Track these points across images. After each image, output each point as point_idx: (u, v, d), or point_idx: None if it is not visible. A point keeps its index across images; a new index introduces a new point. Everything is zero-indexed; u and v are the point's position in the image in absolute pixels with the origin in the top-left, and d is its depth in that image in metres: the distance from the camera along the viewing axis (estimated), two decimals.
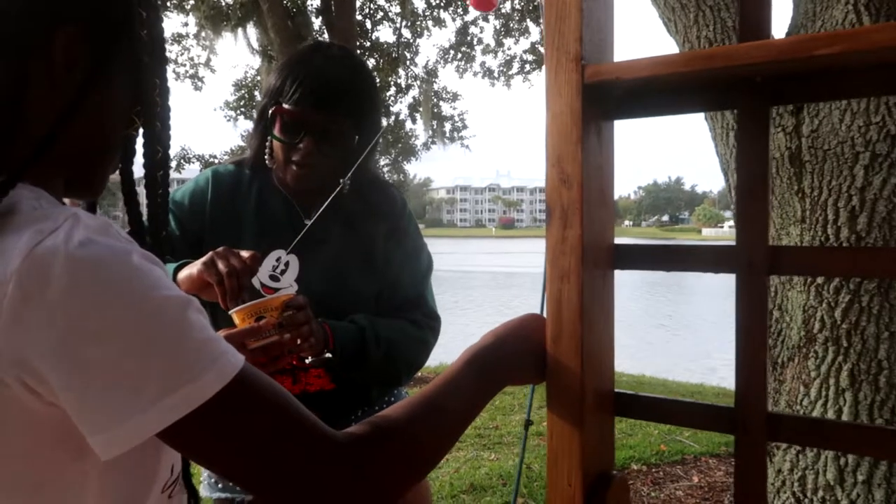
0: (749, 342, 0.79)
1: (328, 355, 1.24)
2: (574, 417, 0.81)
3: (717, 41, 2.73)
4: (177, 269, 1.21)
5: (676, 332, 12.39)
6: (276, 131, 1.35)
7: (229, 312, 1.14)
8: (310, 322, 1.17)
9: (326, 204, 1.33)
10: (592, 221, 0.82)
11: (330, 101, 1.31)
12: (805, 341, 2.51)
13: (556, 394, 0.83)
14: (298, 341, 1.15)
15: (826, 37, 0.66)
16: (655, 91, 0.85)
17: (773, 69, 0.73)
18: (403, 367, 1.39)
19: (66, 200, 0.72)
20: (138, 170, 0.76)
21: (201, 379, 0.56)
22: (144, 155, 0.73)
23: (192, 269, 1.17)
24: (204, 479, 1.47)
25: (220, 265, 1.13)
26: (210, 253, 1.15)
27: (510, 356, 0.81)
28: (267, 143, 1.38)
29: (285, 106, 1.32)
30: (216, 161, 12.28)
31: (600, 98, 0.83)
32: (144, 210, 0.75)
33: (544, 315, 0.87)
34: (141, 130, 0.73)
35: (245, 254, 1.15)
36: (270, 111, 1.35)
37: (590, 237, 0.82)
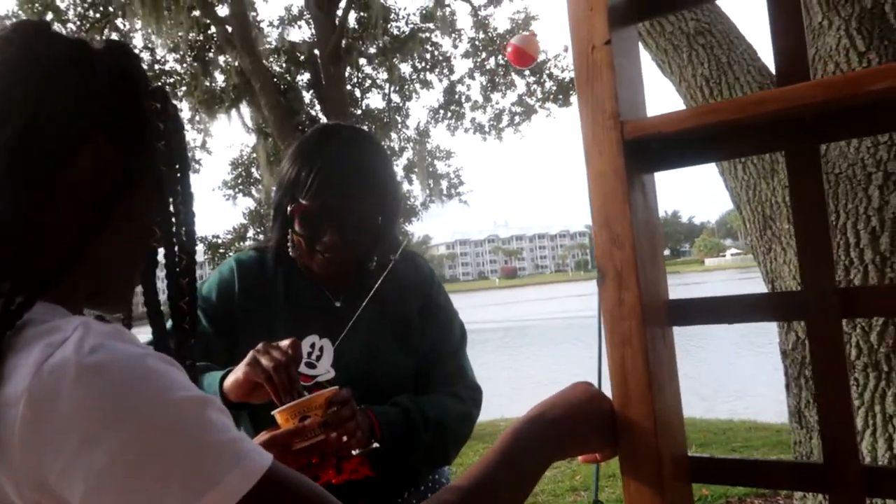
0: (831, 392, 0.74)
1: (375, 445, 1.19)
2: (654, 489, 0.76)
3: (713, 77, 2.76)
4: (222, 379, 1.17)
5: (692, 365, 12.20)
6: (296, 227, 1.32)
7: (272, 413, 1.09)
8: (355, 416, 1.12)
9: (368, 299, 1.30)
10: (647, 280, 0.79)
11: (347, 191, 1.28)
12: None
13: (632, 464, 0.78)
14: (345, 438, 1.10)
15: (881, 71, 0.64)
16: (695, 139, 0.82)
17: (824, 108, 0.71)
18: (452, 445, 1.34)
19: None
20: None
21: (224, 482, 0.52)
22: (166, 266, 0.71)
23: (237, 373, 1.13)
24: None
25: (264, 361, 1.09)
26: (251, 352, 1.12)
27: (556, 430, 0.77)
28: (289, 237, 1.35)
29: (303, 202, 1.29)
30: (219, 240, 12.34)
31: (640, 152, 0.80)
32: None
33: (604, 380, 0.83)
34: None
35: (284, 343, 1.11)
36: (289, 209, 1.32)
37: (647, 297, 0.78)
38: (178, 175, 0.71)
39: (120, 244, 0.67)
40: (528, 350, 18.05)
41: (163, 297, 0.73)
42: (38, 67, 0.63)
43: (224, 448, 0.54)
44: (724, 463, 0.82)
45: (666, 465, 0.77)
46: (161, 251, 0.72)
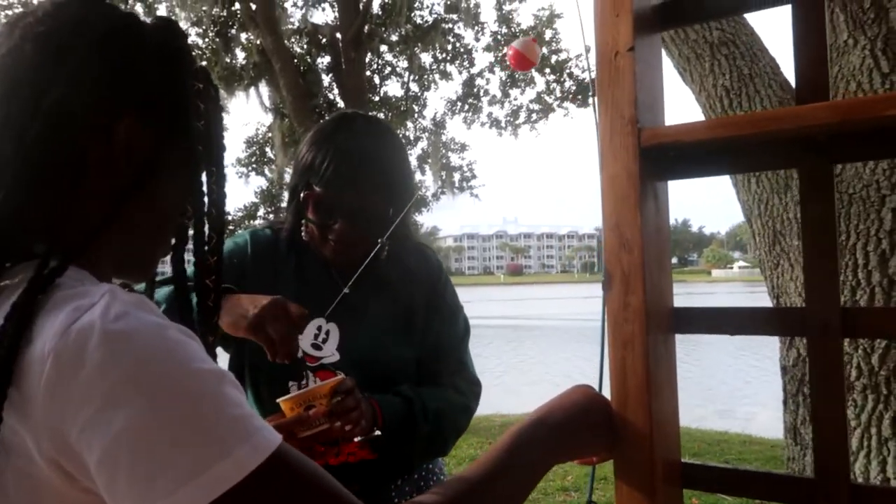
0: (827, 411, 0.75)
1: (377, 433, 1.21)
2: (646, 492, 0.77)
3: (734, 89, 2.75)
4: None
5: (692, 377, 12.20)
6: (309, 214, 1.34)
7: (277, 401, 1.12)
8: (359, 406, 1.15)
9: (360, 269, 1.32)
10: (653, 286, 0.80)
11: (359, 180, 1.30)
12: None
13: (625, 466, 0.79)
14: (348, 427, 1.13)
15: (894, 97, 0.64)
16: (710, 150, 0.83)
17: (838, 129, 0.72)
18: (450, 436, 1.36)
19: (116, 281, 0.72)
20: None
21: (234, 455, 0.54)
22: (195, 243, 0.72)
23: (239, 318, 1.15)
24: None
25: (270, 331, 1.11)
26: (260, 309, 1.14)
27: (556, 435, 0.77)
28: (302, 222, 1.37)
29: (317, 189, 1.31)
30: (230, 217, 12.38)
31: (655, 159, 0.81)
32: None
33: (604, 383, 0.84)
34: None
35: (294, 309, 1.14)
36: (302, 195, 1.34)
37: (651, 303, 0.79)
38: (214, 155, 0.72)
39: (151, 217, 0.69)
40: (532, 349, 18.06)
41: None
42: (88, 36, 0.65)
43: (237, 422, 0.55)
44: (715, 471, 0.84)
45: (658, 470, 0.78)
46: (191, 228, 0.73)
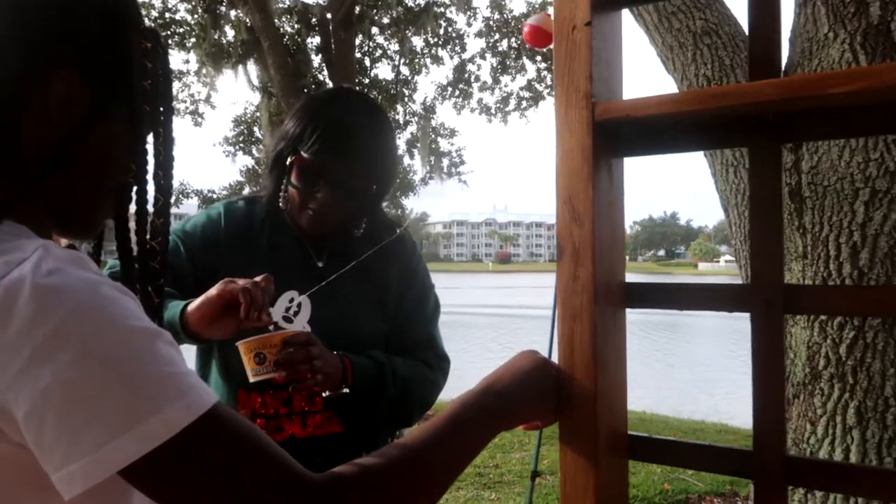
0: (766, 384, 0.77)
1: (345, 390, 1.24)
2: (589, 461, 0.79)
3: (715, 79, 2.76)
4: (185, 306, 1.19)
5: (675, 368, 12.31)
6: (293, 179, 1.35)
7: (236, 344, 1.16)
8: (310, 360, 1.17)
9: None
10: (604, 259, 0.81)
11: (348, 152, 1.32)
12: (810, 378, 2.49)
13: (570, 436, 0.81)
14: (314, 376, 1.18)
15: (842, 74, 0.66)
16: (665, 128, 0.84)
17: (786, 107, 0.73)
18: (416, 407, 1.39)
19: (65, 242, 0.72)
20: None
21: (164, 412, 0.54)
22: (137, 204, 0.72)
23: (210, 292, 1.15)
24: None
25: (241, 281, 1.14)
26: (224, 280, 1.16)
27: (502, 402, 0.77)
28: (282, 188, 1.38)
29: (304, 155, 1.32)
30: (214, 196, 12.33)
31: (610, 135, 0.82)
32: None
33: (554, 354, 0.86)
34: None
35: (259, 278, 1.16)
36: (289, 160, 1.35)
37: (601, 275, 0.81)
38: (162, 117, 0.72)
39: (90, 174, 0.68)
40: (523, 336, 18.13)
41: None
42: None
43: (169, 379, 0.55)
44: (658, 443, 0.86)
45: (602, 439, 0.80)
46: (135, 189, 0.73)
